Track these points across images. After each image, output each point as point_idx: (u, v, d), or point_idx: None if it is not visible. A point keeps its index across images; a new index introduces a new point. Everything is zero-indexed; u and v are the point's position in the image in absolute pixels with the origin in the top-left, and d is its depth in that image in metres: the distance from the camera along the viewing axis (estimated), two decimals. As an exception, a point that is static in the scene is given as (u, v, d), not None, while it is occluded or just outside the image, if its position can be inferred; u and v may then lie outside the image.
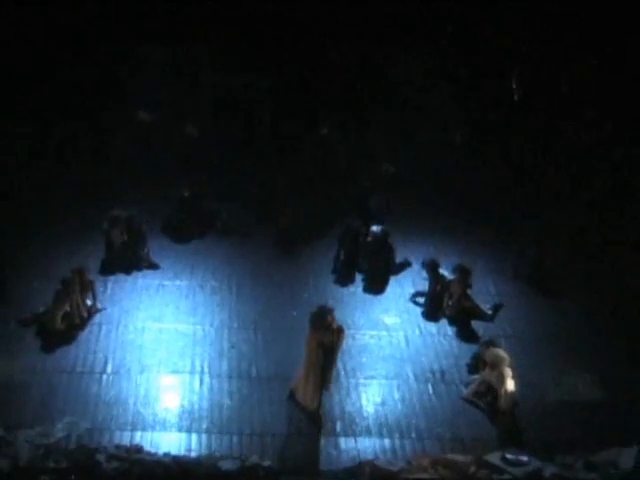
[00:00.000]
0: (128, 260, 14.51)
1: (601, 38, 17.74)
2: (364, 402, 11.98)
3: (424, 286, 14.27)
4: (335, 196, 16.71)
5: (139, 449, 10.69)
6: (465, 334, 13.52)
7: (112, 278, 14.28)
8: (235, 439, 11.13)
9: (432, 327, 13.70)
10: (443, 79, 19.05)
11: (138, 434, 11.10)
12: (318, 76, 18.77)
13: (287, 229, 15.85)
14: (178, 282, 14.39)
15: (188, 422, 11.38)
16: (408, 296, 14.38)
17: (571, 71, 18.44)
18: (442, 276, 14.08)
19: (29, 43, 17.27)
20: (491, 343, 12.39)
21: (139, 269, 14.54)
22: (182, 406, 11.65)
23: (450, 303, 13.87)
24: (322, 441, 11.23)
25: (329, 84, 18.78)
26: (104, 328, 13.06)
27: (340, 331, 11.32)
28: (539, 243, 15.16)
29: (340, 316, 11.95)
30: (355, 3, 18.20)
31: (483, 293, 14.42)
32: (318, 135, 16.63)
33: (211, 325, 13.35)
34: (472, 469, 10.55)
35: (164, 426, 11.29)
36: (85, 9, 17.48)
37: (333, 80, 18.80)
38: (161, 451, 10.75)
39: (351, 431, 11.44)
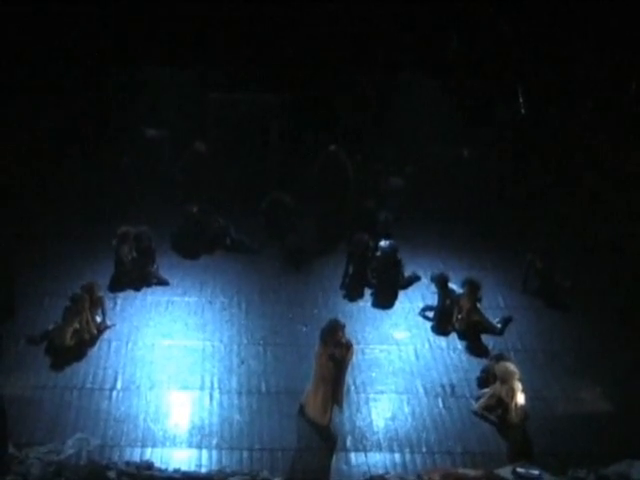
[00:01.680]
0: (137, 277, 14.54)
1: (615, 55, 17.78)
2: (374, 417, 11.94)
3: (433, 300, 14.27)
4: (344, 211, 16.69)
5: (149, 465, 10.67)
6: (475, 348, 13.48)
7: (121, 295, 14.29)
8: (245, 454, 11.10)
9: (442, 341, 13.67)
10: (451, 94, 19.04)
11: (148, 450, 11.07)
12: (327, 93, 18.81)
13: (296, 245, 15.86)
14: (187, 298, 14.40)
15: (198, 438, 11.35)
16: (417, 310, 14.35)
17: (578, 85, 18.44)
18: (451, 290, 14.08)
19: (44, 58, 17.34)
20: (501, 357, 12.37)
21: (148, 285, 14.56)
22: (192, 422, 11.63)
23: (459, 317, 13.85)
24: (332, 456, 11.19)
25: (337, 101, 18.82)
26: (114, 345, 13.07)
27: (349, 346, 11.31)
28: (548, 256, 15.12)
29: (350, 331, 11.94)
30: (364, 23, 18.27)
31: (492, 307, 14.40)
32: (326, 151, 16.62)
33: (220, 341, 13.34)
34: (483, 483, 10.54)
35: (174, 442, 11.27)
36: (100, 32, 17.64)
37: (341, 97, 18.84)
38: (171, 467, 10.72)
39: (361, 446, 11.40)
